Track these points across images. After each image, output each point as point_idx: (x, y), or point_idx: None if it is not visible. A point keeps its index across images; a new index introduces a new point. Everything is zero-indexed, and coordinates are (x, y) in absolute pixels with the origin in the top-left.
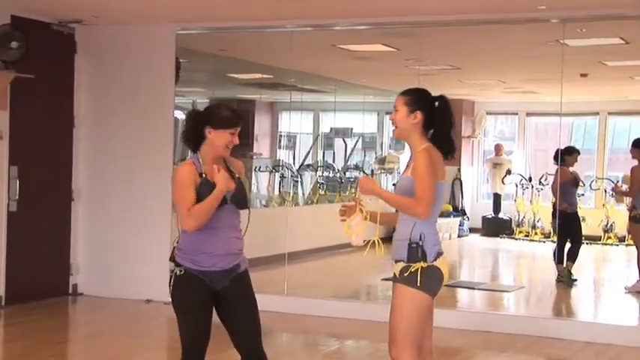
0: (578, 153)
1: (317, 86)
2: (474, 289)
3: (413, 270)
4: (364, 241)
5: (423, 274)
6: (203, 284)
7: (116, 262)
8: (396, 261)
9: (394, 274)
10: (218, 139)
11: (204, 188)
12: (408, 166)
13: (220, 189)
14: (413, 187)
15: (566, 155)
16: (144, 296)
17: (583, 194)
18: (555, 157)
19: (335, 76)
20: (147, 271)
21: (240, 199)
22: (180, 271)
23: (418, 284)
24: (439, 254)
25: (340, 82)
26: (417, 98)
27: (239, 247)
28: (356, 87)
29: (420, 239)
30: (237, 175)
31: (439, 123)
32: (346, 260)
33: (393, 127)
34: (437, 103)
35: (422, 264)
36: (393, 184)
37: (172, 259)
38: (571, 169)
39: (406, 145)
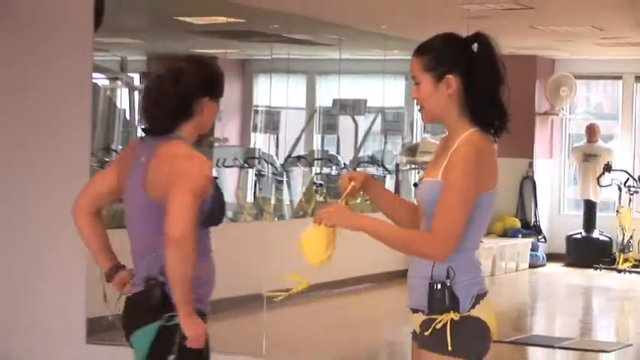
0: None
1: (312, 36)
2: (553, 347)
3: (439, 326)
4: (287, 291)
5: (455, 330)
6: None
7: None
8: (414, 310)
9: (413, 330)
10: (210, 115)
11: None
12: (436, 159)
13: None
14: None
15: None
16: None
17: None
18: None
19: (340, 20)
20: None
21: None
22: None
23: (449, 348)
24: (480, 296)
25: (348, 29)
26: (444, 52)
27: None
28: (372, 37)
29: (448, 277)
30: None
31: (479, 78)
32: (356, 303)
33: (418, 107)
34: (475, 47)
35: (452, 315)
36: (415, 184)
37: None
38: None
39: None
